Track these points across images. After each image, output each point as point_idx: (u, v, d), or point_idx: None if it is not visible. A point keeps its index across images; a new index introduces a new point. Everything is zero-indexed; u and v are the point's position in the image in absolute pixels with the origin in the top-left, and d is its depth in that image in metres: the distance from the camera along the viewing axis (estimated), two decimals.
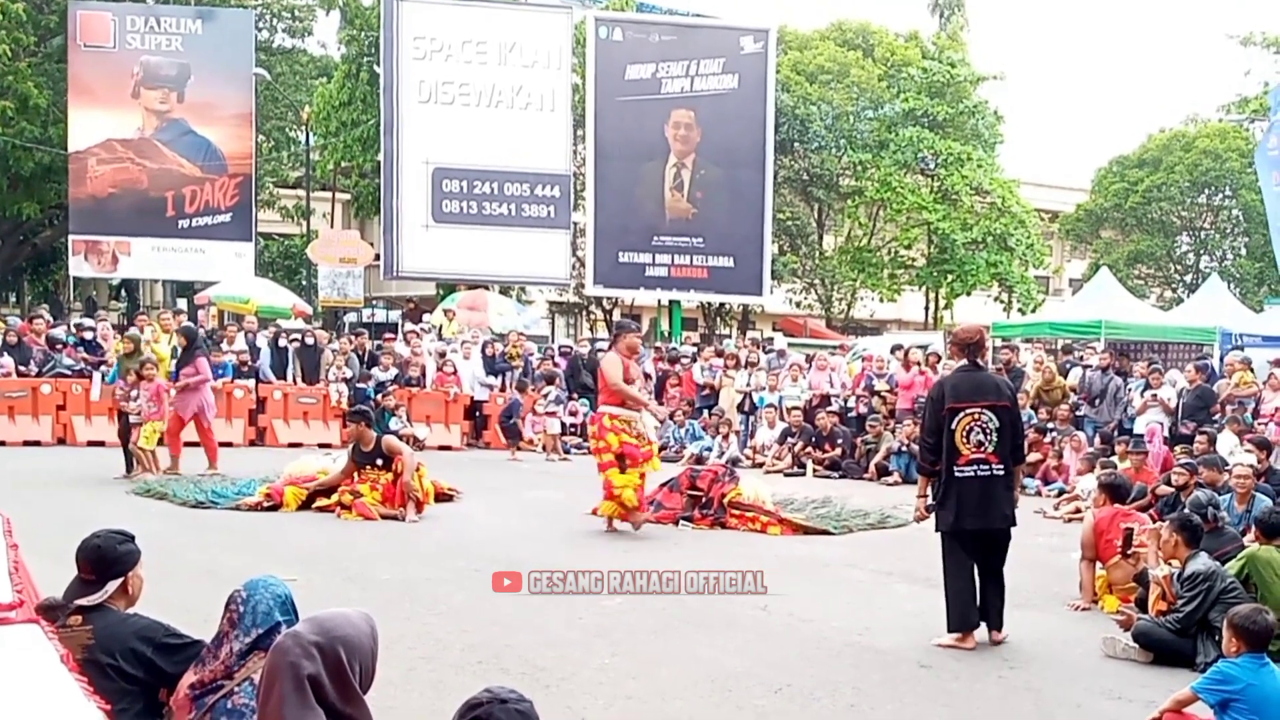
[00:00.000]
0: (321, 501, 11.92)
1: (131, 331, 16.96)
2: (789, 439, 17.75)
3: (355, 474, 11.88)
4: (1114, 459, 13.56)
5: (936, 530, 7.54)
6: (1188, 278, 40.89)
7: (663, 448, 18.46)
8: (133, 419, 13.80)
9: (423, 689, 6.03)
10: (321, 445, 17.44)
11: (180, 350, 15.16)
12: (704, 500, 11.90)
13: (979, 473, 7.37)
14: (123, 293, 38.94)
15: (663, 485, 12.29)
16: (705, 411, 19.27)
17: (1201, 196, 40.11)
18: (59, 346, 18.42)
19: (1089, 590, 8.72)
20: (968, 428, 7.39)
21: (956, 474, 7.37)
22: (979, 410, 7.41)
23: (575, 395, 19.72)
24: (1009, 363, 17.20)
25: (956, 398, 7.44)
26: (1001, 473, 7.44)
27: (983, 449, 7.38)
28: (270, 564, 8.31)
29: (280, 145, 38.02)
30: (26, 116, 29.44)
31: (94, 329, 19.94)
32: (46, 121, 29.76)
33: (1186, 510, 8.52)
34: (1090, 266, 39.70)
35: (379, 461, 11.82)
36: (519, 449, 18.31)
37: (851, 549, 10.92)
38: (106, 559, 4.31)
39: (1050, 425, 16.37)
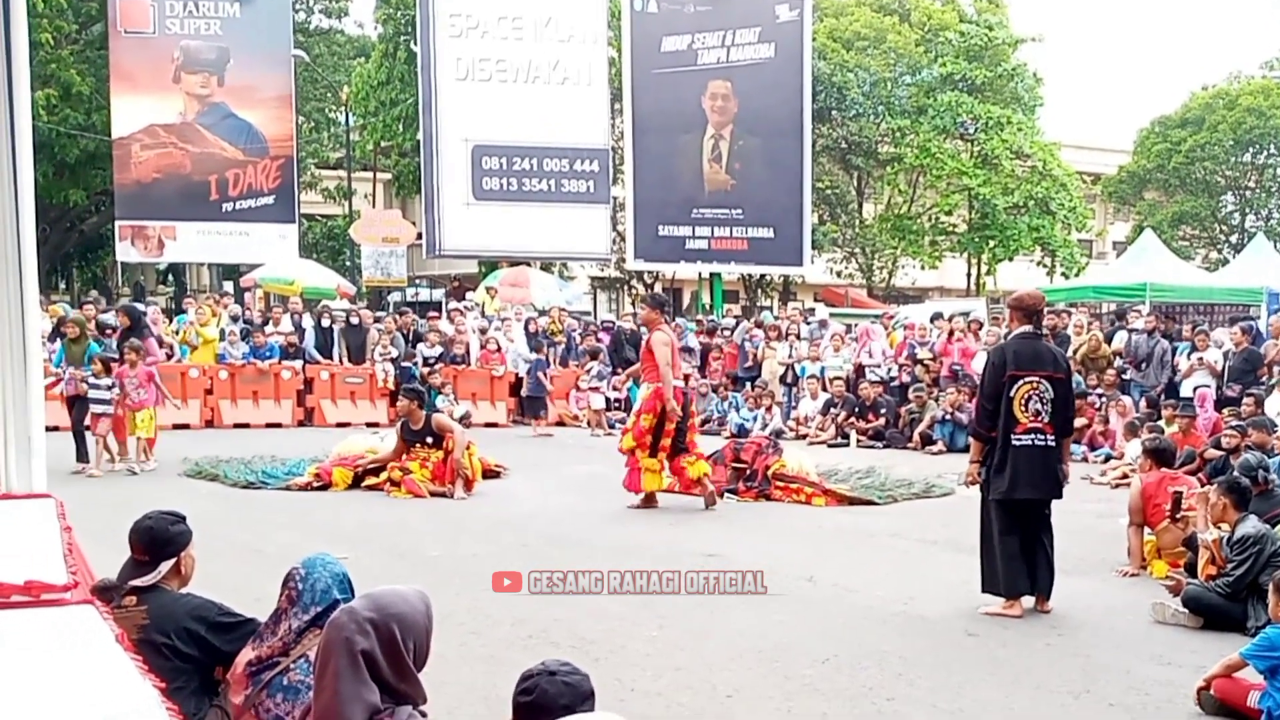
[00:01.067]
0: (370, 480, 12.05)
1: (75, 315, 16.61)
2: (832, 410, 17.72)
3: (405, 452, 12.00)
4: (1161, 423, 13.46)
5: (987, 497, 7.52)
6: (1233, 238, 40.36)
7: (705, 421, 18.59)
8: (96, 409, 12.85)
9: (474, 664, 6.11)
10: (369, 424, 17.63)
11: (123, 330, 14.85)
12: (748, 473, 11.95)
13: (1036, 442, 7.36)
14: (170, 277, 39.37)
15: (707, 458, 12.34)
16: (748, 384, 19.26)
17: (1246, 155, 39.57)
18: (109, 331, 18.64)
19: (1137, 556, 8.68)
20: (1026, 396, 7.37)
21: (1014, 442, 7.35)
22: (1038, 379, 7.39)
23: (618, 370, 19.77)
24: (1055, 328, 17.06)
25: (1018, 365, 7.42)
26: (1054, 444, 7.44)
27: (1039, 418, 7.37)
28: (320, 542, 8.43)
29: (320, 126, 38.24)
30: (70, 104, 29.78)
31: (144, 313, 20.19)
32: (90, 108, 30.08)
33: (1235, 473, 8.46)
34: (1134, 229, 39.26)
35: (429, 440, 11.93)
36: (546, 423, 18.40)
37: (896, 519, 10.92)
38: (159, 540, 4.37)
39: (1098, 389, 16.25)
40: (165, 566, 4.35)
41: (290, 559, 4.01)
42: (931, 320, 19.42)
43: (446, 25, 26.61)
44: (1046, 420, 7.39)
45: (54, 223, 32.55)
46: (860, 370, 18.49)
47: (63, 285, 38.84)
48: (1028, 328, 7.64)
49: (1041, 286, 23.72)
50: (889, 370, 18.56)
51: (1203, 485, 8.99)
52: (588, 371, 18.75)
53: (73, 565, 3.92)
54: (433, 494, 11.62)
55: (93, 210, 34.82)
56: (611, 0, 28.71)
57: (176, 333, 19.60)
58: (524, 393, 18.98)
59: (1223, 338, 16.24)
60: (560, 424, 19.19)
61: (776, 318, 22.78)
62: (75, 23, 31.06)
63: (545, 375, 18.93)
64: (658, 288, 37.67)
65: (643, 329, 11.96)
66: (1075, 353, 16.69)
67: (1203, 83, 42.67)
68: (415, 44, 28.73)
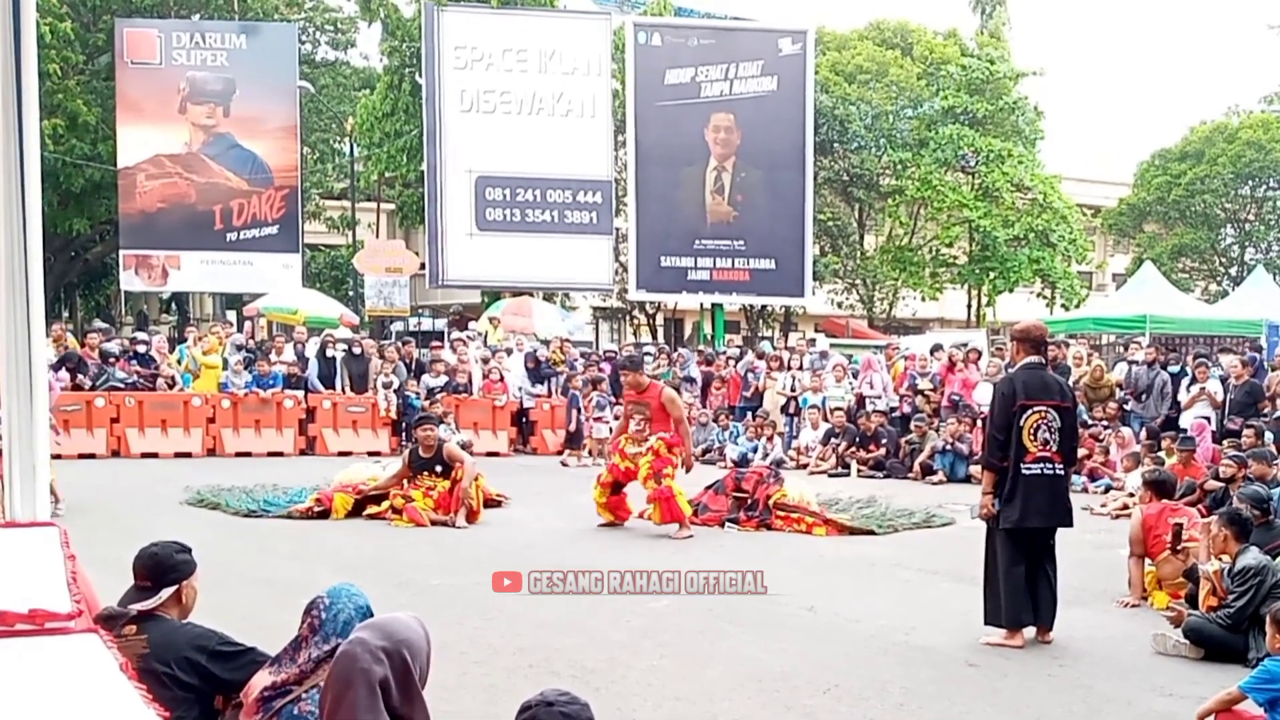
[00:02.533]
0: (372, 509, 12.06)
1: None
2: (833, 439, 17.76)
3: (408, 480, 12.01)
4: (1161, 454, 13.49)
5: (996, 527, 7.49)
6: (1233, 270, 40.44)
7: (705, 451, 18.60)
8: None
9: (475, 692, 6.12)
10: (371, 453, 17.66)
11: None
12: (749, 502, 11.96)
13: (1045, 471, 7.39)
14: (173, 306, 39.45)
15: (708, 488, 12.40)
16: (749, 414, 19.29)
17: (1245, 188, 39.72)
18: (112, 360, 18.73)
19: (1138, 587, 8.68)
20: (1035, 425, 7.40)
21: (1024, 471, 7.37)
22: (1045, 409, 7.42)
23: (619, 400, 19.74)
24: (1055, 359, 17.08)
25: (1027, 395, 7.44)
26: (1063, 472, 7.49)
27: (1048, 447, 7.40)
28: (322, 571, 8.47)
29: (325, 157, 38.39)
30: (76, 134, 29.92)
31: (148, 342, 20.27)
32: (96, 138, 30.21)
33: (1235, 504, 8.47)
34: (1134, 261, 39.34)
35: (437, 469, 11.94)
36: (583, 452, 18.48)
37: (897, 549, 10.94)
38: (162, 566, 4.41)
39: (1102, 420, 16.28)
40: (166, 593, 4.38)
41: (292, 588, 4.03)
42: (931, 352, 19.47)
43: (451, 57, 26.80)
44: (1055, 449, 7.41)
45: (58, 252, 32.62)
46: (861, 401, 18.54)
47: (66, 314, 38.88)
48: (1034, 358, 7.66)
49: (1042, 318, 23.76)
50: (888, 402, 18.60)
51: (1203, 516, 9.01)
52: (590, 402, 18.77)
53: (76, 594, 3.93)
54: (434, 523, 11.63)
55: (97, 239, 34.91)
56: (615, 33, 28.87)
57: (179, 362, 19.66)
58: (570, 428, 19.01)
59: (1225, 360, 16.22)
60: (560, 452, 19.22)
61: (776, 348, 22.81)
62: (82, 53, 31.22)
63: (581, 408, 18.97)
64: (659, 319, 37.74)
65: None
66: (1078, 383, 16.73)
67: (1202, 117, 42.98)
68: (420, 76, 28.88)
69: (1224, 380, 15.89)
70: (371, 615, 3.85)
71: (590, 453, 18.42)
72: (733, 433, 18.90)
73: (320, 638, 3.80)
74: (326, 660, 3.72)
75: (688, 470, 11.51)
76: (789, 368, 19.88)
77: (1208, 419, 15.40)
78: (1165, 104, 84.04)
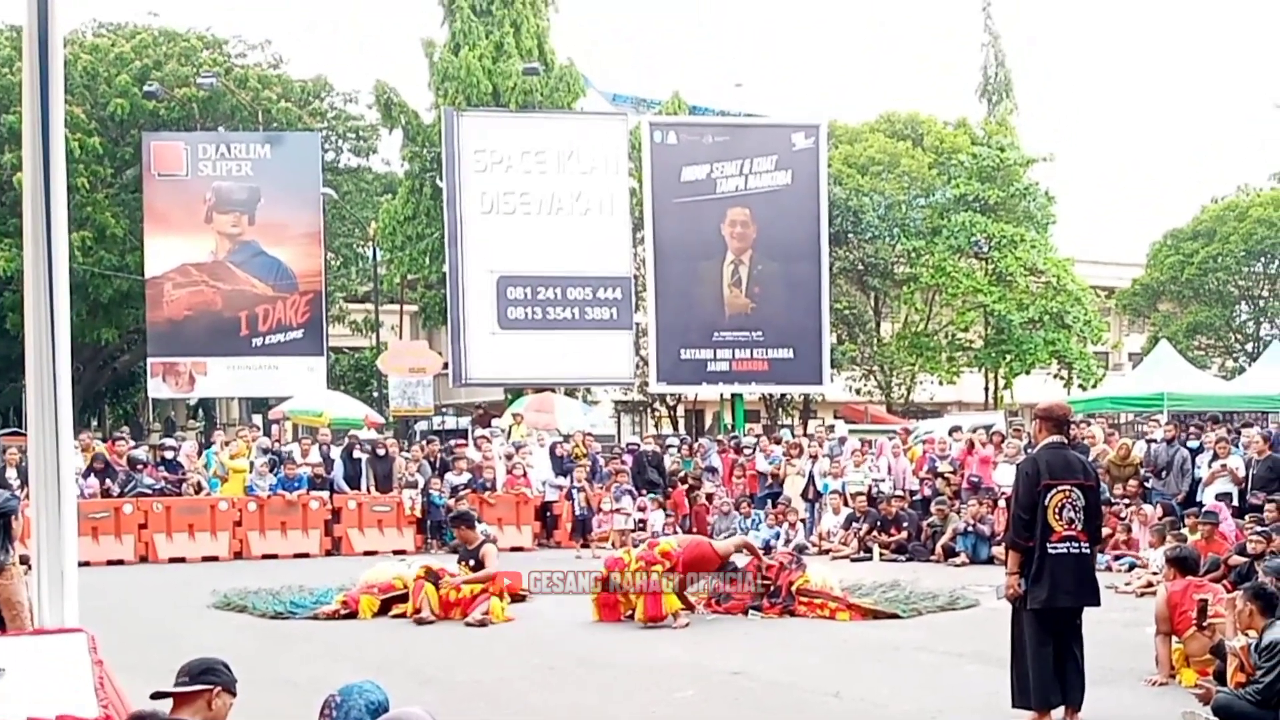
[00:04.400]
0: (397, 609, 12.11)
1: None
2: (854, 524, 17.76)
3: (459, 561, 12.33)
4: (1184, 531, 13.44)
5: (1025, 608, 7.44)
6: (1249, 346, 40.42)
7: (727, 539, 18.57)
8: None
9: None
10: (396, 552, 17.70)
11: None
12: (772, 589, 11.95)
13: (1071, 550, 7.37)
14: (200, 411, 39.82)
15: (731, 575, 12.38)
16: (769, 501, 19.31)
17: (1258, 265, 39.91)
18: (140, 466, 18.93)
19: (1165, 664, 8.62)
20: (1060, 504, 7.39)
21: (1050, 551, 7.34)
22: (1070, 488, 7.42)
23: (642, 491, 19.81)
24: (1074, 439, 17.06)
25: (1051, 474, 7.45)
26: (1089, 551, 7.49)
27: (1073, 526, 7.39)
28: (347, 670, 8.49)
29: (348, 261, 38.93)
30: (105, 245, 30.51)
31: (175, 448, 20.49)
32: (124, 249, 30.78)
33: (1261, 579, 8.46)
34: (1149, 340, 39.33)
35: (471, 561, 12.10)
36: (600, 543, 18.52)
37: (922, 631, 10.90)
38: (203, 666, 4.62)
39: (1123, 498, 16.25)
40: (196, 686, 4.52)
41: (319, 688, 4.11)
42: (950, 433, 19.50)
43: (471, 161, 27.27)
44: (1080, 528, 7.41)
45: (87, 361, 33.05)
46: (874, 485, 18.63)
47: (94, 423, 39.26)
48: (1057, 437, 7.68)
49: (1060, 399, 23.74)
50: (895, 484, 18.66)
51: (1228, 592, 8.98)
52: (611, 494, 18.82)
53: (104, 699, 4.02)
54: (450, 606, 11.72)
55: (125, 348, 35.37)
56: (632, 132, 29.39)
57: (207, 467, 19.86)
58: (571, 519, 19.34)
59: (1248, 436, 16.17)
60: (585, 546, 19.21)
61: (796, 435, 22.86)
62: (110, 167, 31.95)
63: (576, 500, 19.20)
64: (680, 410, 37.85)
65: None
66: (1100, 461, 16.70)
67: (1213, 195, 43.17)
68: (441, 180, 29.39)
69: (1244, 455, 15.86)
70: (386, 710, 3.94)
71: (613, 545, 18.38)
72: (754, 520, 18.90)
73: None
74: None
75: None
76: (809, 455, 19.91)
77: (1229, 495, 15.34)
78: (1175, 185, 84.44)
